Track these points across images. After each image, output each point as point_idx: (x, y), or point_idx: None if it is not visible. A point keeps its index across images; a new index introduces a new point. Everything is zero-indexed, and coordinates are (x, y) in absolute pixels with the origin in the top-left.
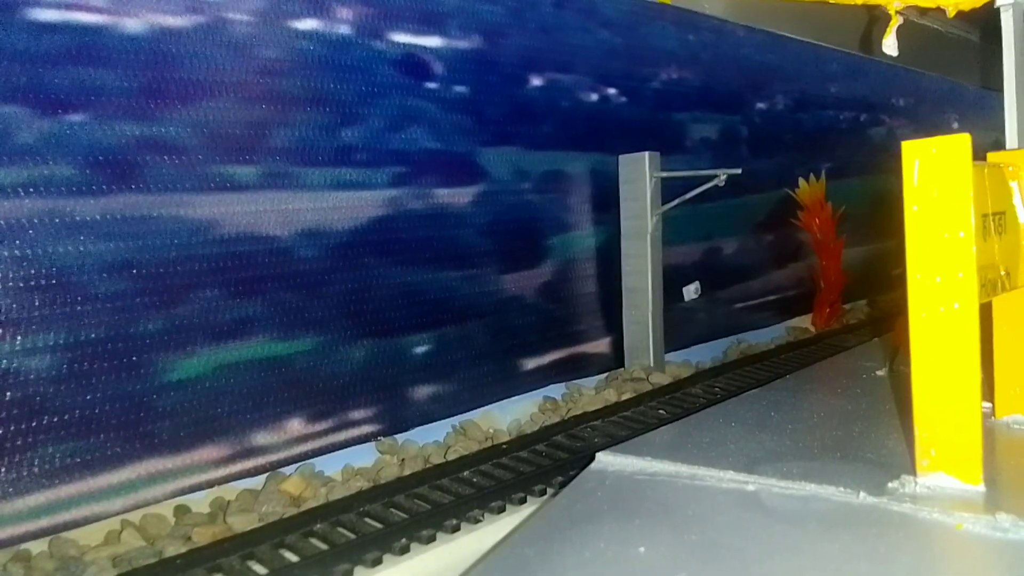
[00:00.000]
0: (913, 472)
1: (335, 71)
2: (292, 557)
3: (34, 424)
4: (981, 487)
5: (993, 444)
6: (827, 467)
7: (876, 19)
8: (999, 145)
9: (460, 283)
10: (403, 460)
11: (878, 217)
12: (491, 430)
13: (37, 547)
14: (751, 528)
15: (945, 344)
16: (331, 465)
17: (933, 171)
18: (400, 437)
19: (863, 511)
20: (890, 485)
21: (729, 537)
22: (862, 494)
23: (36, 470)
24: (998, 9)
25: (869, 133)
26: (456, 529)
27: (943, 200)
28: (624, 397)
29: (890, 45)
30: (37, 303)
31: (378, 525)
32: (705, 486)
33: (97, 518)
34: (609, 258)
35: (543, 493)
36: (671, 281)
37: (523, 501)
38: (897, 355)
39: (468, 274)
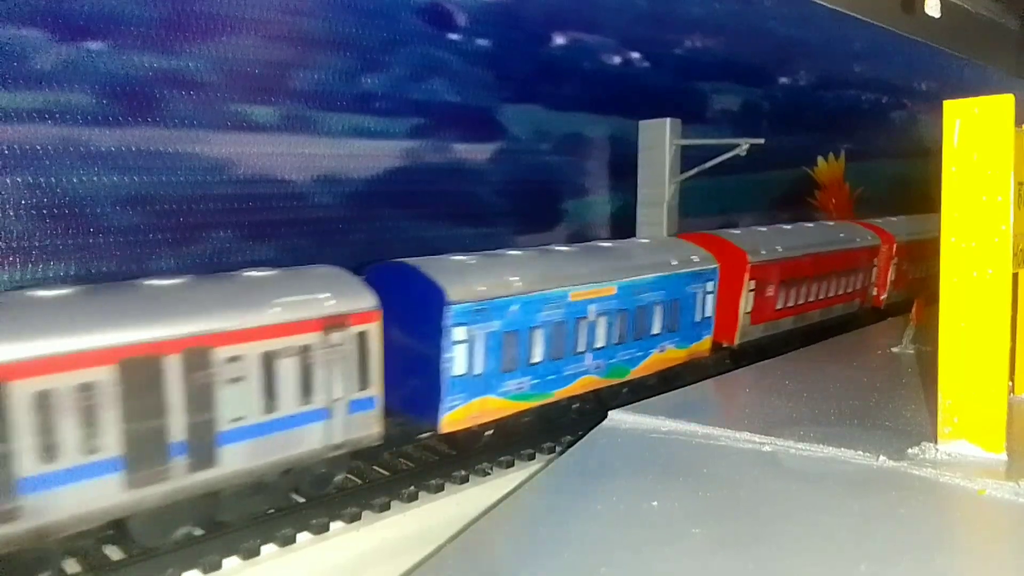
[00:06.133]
0: (934, 439)
1: (358, 15)
2: None
3: None
4: (1003, 455)
5: (1012, 419)
6: (845, 432)
7: None
8: None
9: (474, 241)
10: None
11: (897, 201)
12: None
13: None
14: (769, 487)
15: (976, 310)
16: None
17: (974, 132)
18: None
19: (883, 474)
20: (910, 451)
21: (746, 495)
22: (882, 458)
23: None
24: None
25: (891, 116)
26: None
27: (983, 162)
28: None
29: (933, 6)
30: (49, 232)
31: None
32: (720, 445)
33: None
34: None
35: (552, 451)
36: None
37: (531, 457)
38: (913, 333)
39: (483, 232)
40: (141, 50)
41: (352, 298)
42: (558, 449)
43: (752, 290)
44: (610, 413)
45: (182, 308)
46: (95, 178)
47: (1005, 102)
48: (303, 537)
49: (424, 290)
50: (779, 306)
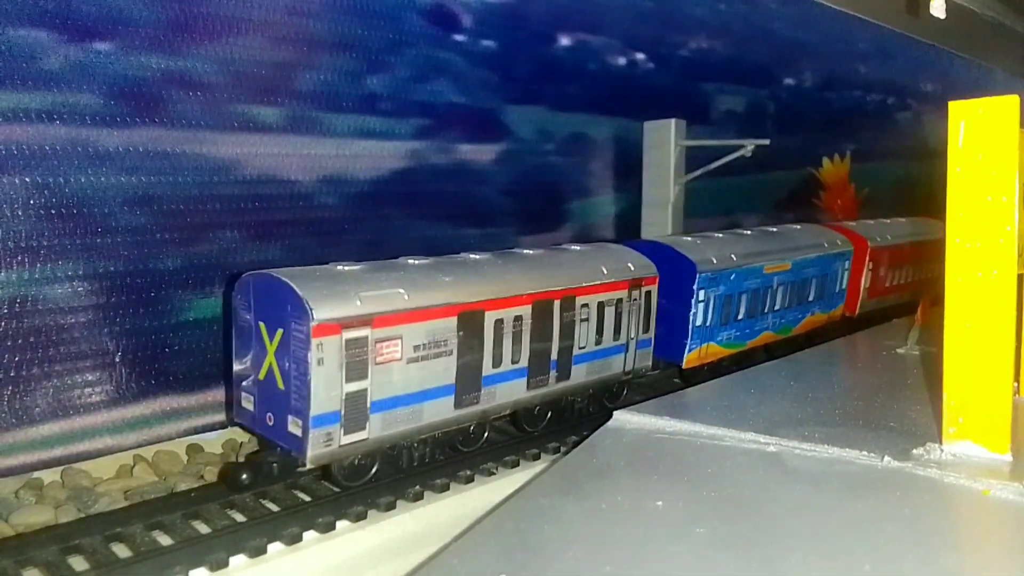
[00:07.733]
0: (938, 440)
1: (363, 16)
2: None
3: (51, 353)
4: (1008, 456)
5: (1017, 420)
6: (850, 433)
7: None
8: None
9: (479, 241)
10: None
11: (902, 202)
12: None
13: (49, 477)
14: (773, 487)
15: (981, 310)
16: None
17: (979, 133)
18: None
19: (888, 475)
20: (915, 451)
21: (750, 494)
22: (886, 458)
23: (51, 399)
24: None
25: (896, 117)
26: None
27: (987, 163)
28: None
29: (938, 7)
30: (57, 231)
31: None
32: (725, 446)
33: (110, 451)
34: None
35: (557, 451)
36: None
37: (536, 457)
38: (918, 334)
39: (487, 232)
40: (148, 51)
41: (644, 267)
42: (563, 449)
43: (870, 269)
44: (615, 413)
45: (557, 270)
46: (102, 178)
47: (1010, 103)
48: (309, 535)
49: (679, 262)
50: (886, 284)
